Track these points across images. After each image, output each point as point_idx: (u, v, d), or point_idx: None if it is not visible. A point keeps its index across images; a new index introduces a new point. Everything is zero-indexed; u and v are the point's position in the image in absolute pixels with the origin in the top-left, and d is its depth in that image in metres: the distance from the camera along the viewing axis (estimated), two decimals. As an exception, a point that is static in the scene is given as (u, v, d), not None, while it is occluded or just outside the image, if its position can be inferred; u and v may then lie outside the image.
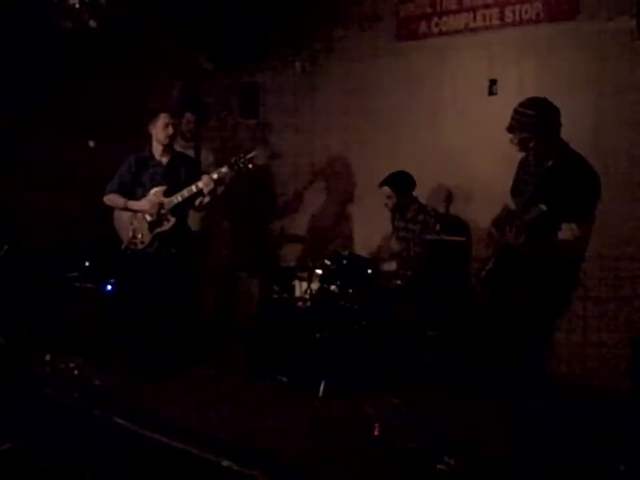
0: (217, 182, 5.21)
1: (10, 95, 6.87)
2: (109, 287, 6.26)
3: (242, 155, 5.16)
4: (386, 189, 5.65)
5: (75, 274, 6.43)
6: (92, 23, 6.61)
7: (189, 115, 6.40)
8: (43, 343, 5.81)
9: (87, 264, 6.59)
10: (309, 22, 6.74)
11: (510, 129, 3.95)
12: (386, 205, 5.72)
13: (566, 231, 3.75)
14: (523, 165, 4.28)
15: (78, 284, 6.36)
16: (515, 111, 3.93)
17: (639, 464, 3.71)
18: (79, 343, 5.83)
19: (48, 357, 5.43)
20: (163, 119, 5.37)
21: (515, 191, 4.37)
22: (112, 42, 7.12)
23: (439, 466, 3.64)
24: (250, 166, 5.16)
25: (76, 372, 5.28)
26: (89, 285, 6.32)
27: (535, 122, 3.86)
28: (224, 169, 5.16)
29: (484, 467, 3.70)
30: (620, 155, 5.10)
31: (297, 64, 6.71)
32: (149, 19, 7.36)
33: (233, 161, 5.16)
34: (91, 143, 6.75)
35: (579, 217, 3.78)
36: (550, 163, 3.94)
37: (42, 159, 7.02)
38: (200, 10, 7.06)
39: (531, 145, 3.92)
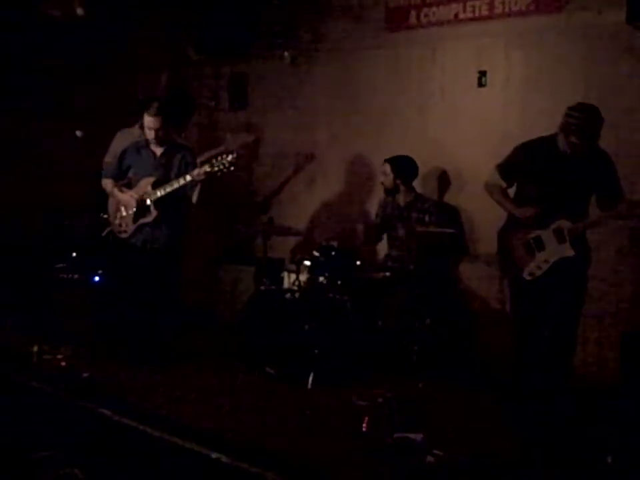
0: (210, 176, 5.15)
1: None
2: (97, 278, 6.22)
3: (224, 156, 5.10)
4: (386, 166, 5.62)
5: (62, 265, 6.38)
6: (79, 11, 6.56)
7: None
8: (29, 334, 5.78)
9: (73, 254, 6.55)
10: (298, 11, 6.69)
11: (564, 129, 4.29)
12: (382, 183, 5.68)
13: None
14: (549, 152, 4.39)
15: (65, 275, 6.32)
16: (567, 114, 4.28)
17: (626, 456, 3.74)
18: (67, 334, 5.79)
19: (35, 348, 5.39)
20: (145, 121, 5.32)
21: (534, 177, 4.47)
22: (99, 32, 7.06)
23: (428, 458, 3.65)
24: (232, 168, 5.11)
25: (63, 363, 5.24)
26: (75, 276, 6.28)
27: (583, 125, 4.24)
28: (207, 168, 5.09)
29: (473, 460, 3.72)
30: (607, 147, 5.10)
31: (286, 54, 6.65)
32: (136, 8, 7.29)
33: (214, 160, 5.11)
34: (79, 133, 6.70)
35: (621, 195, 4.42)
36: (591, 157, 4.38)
37: (23, 149, 6.97)
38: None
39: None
